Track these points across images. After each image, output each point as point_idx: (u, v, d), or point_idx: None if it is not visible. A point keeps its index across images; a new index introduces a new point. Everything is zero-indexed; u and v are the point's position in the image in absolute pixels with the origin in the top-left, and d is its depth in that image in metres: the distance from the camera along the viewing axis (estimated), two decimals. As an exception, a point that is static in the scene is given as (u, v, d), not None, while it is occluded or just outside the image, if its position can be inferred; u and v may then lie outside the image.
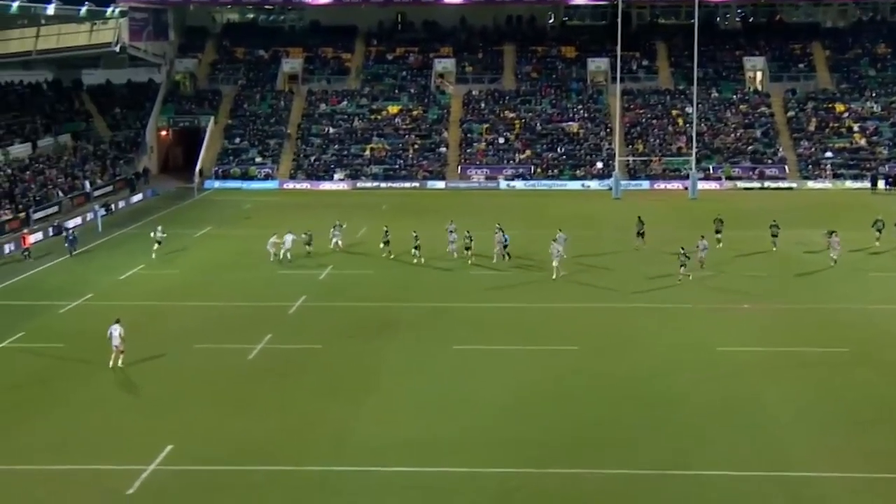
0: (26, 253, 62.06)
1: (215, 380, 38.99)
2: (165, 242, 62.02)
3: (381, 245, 60.57)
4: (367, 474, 30.15)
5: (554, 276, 54.20)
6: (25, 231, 67.35)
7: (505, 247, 58.60)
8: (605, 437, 32.97)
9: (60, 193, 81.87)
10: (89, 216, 76.30)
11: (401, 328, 45.73)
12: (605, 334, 44.69)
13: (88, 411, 35.73)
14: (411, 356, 41.81)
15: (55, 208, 78.86)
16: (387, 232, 60.87)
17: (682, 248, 53.91)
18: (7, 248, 64.61)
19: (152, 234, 62.02)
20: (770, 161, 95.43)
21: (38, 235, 69.10)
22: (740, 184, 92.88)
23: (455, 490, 29.04)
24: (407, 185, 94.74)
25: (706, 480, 29.41)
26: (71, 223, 66.14)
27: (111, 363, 39.96)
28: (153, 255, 60.73)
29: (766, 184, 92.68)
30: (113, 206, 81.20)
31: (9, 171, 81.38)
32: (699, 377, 38.62)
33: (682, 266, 53.48)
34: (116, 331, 39.90)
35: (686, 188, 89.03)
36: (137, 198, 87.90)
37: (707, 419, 34.26)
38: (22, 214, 73.98)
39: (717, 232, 62.58)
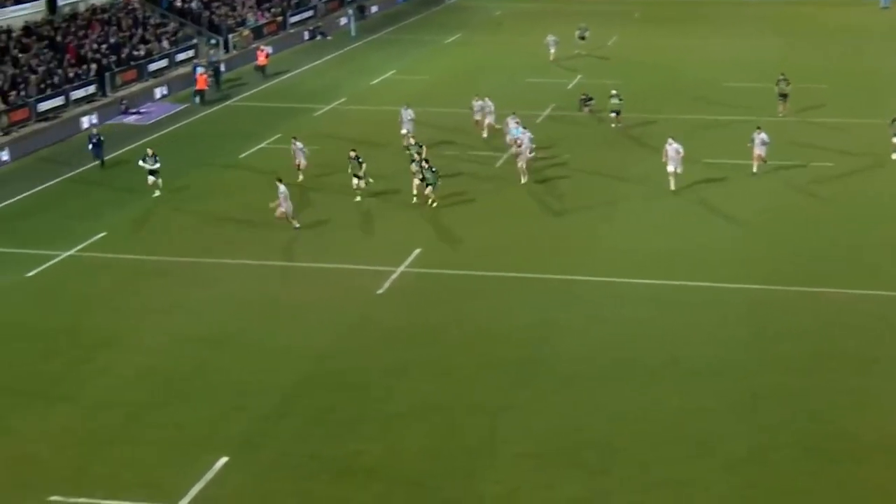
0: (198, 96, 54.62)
1: (464, 189, 39.43)
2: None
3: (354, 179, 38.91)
4: (608, 284, 30.53)
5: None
6: (199, 72, 56.16)
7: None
8: (847, 258, 32.44)
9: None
10: (342, 20, 77.54)
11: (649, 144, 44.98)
12: (862, 152, 42.85)
13: (344, 213, 37.10)
14: (657, 172, 40.65)
15: (311, 13, 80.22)
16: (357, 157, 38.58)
17: None
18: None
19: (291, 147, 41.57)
20: None
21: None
22: None
23: (687, 302, 29.22)
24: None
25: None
26: (95, 129, 46.35)
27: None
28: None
29: None
30: (366, 10, 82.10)
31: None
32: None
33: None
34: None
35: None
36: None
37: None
38: (279, 18, 75.47)
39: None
